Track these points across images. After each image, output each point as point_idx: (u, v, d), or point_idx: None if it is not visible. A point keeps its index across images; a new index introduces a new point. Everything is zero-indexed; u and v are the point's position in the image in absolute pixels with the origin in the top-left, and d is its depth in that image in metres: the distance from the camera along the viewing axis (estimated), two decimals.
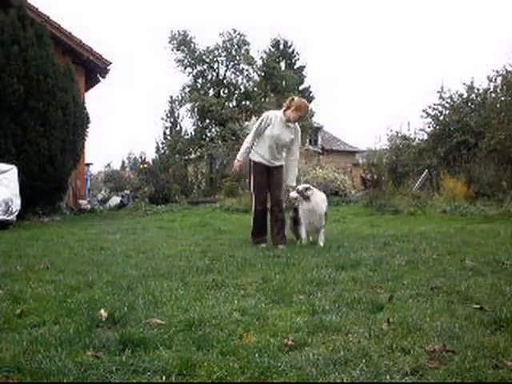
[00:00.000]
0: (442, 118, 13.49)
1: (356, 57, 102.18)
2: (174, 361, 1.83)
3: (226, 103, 19.99)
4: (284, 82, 21.35)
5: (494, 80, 12.74)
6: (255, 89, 20.64)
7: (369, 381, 1.68)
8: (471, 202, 9.27)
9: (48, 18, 10.98)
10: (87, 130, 10.60)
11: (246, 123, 20.06)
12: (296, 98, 5.16)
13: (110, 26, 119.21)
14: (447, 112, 13.46)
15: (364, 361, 1.82)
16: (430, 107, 13.75)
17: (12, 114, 8.68)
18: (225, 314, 2.44)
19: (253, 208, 5.26)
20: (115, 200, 17.52)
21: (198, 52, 19.76)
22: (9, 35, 8.82)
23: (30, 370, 1.75)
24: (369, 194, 11.08)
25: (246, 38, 19.80)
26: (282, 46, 31.92)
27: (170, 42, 19.78)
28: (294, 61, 32.61)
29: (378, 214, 9.12)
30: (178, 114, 25.38)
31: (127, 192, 19.59)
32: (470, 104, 13.38)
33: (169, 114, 26.32)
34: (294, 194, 5.08)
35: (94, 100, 45.40)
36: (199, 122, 20.07)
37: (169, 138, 24.05)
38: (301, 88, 29.16)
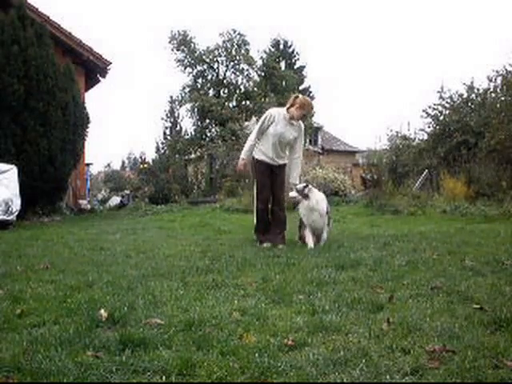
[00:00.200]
0: (442, 118, 13.50)
1: (356, 57, 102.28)
2: (174, 361, 1.82)
3: (226, 103, 20.00)
4: (284, 82, 21.36)
5: (494, 80, 12.75)
6: (255, 89, 20.65)
7: (369, 381, 1.68)
8: (471, 202, 9.27)
9: (48, 18, 10.97)
10: (87, 129, 10.60)
11: (246, 123, 20.07)
12: (300, 96, 5.15)
13: (110, 25, 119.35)
14: (447, 112, 13.46)
15: (364, 361, 1.82)
16: (429, 107, 13.77)
17: (12, 114, 8.68)
18: (225, 314, 2.44)
19: (255, 206, 5.26)
20: (115, 200, 17.51)
21: (198, 52, 19.77)
22: (9, 35, 8.81)
23: (30, 370, 1.75)
24: (369, 194, 11.08)
25: (245, 38, 19.84)
26: (282, 46, 31.91)
27: (169, 42, 19.80)
28: (294, 61, 32.60)
29: (378, 214, 9.11)
30: (178, 114, 25.45)
31: (127, 192, 19.58)
32: (469, 104, 13.39)
33: (169, 114, 26.36)
34: (293, 193, 5.07)
35: (94, 100, 45.42)
36: (199, 122, 20.07)
37: (169, 138, 24.09)
38: (301, 88, 29.12)
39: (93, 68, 12.17)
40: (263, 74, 21.18)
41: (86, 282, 3.19)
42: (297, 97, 5.11)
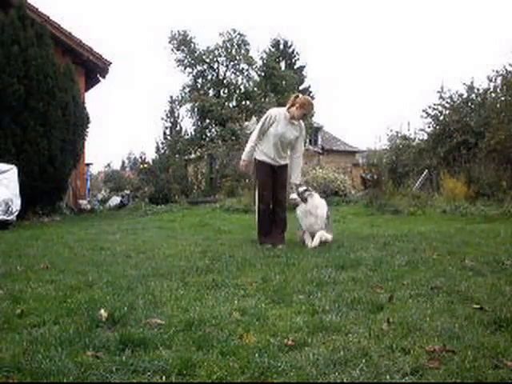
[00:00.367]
0: (442, 118, 13.49)
1: (356, 57, 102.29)
2: (174, 361, 1.82)
3: (226, 103, 19.99)
4: (284, 82, 21.35)
5: (494, 80, 12.74)
6: (255, 89, 20.64)
7: (369, 381, 1.68)
8: (471, 202, 9.27)
9: (48, 18, 10.97)
10: (87, 130, 10.60)
11: (246, 123, 20.06)
12: (300, 96, 5.15)
13: (110, 25, 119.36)
14: (447, 112, 13.46)
15: (364, 361, 1.82)
16: (430, 107, 13.76)
17: (12, 114, 8.68)
18: (225, 314, 2.44)
19: (257, 207, 5.25)
20: (115, 200, 17.49)
21: (197, 52, 19.76)
22: (9, 35, 8.81)
23: (30, 370, 1.75)
24: (369, 194, 11.08)
25: (245, 38, 19.84)
26: (282, 46, 31.93)
27: (169, 42, 19.80)
28: (294, 61, 32.61)
29: (378, 214, 9.11)
30: (178, 114, 25.46)
31: (127, 192, 19.56)
32: (470, 104, 13.38)
33: (169, 114, 26.37)
34: (293, 195, 5.09)
35: (94, 100, 45.40)
36: (199, 122, 20.07)
37: (169, 138, 24.10)
38: (301, 88, 29.12)
39: (93, 68, 12.17)
40: (263, 74, 21.18)
41: (86, 282, 3.19)
42: (297, 96, 5.11)
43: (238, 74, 20.42)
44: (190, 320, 2.31)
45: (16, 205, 7.69)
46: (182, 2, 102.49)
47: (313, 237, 4.95)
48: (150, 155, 35.95)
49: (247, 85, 20.57)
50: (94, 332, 2.17)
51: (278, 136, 5.03)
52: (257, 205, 5.27)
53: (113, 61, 12.31)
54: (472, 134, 12.26)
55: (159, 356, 1.89)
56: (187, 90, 20.34)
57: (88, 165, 17.10)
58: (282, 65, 28.95)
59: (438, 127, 13.50)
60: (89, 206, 12.65)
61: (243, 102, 20.52)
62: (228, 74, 20.44)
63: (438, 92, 13.68)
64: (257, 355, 1.87)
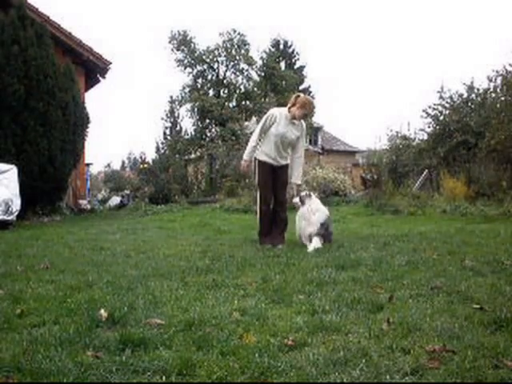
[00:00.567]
0: (442, 118, 13.49)
1: (356, 57, 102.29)
2: (174, 361, 1.82)
3: (226, 103, 19.98)
4: (284, 82, 21.35)
5: (494, 80, 12.74)
6: (255, 89, 20.64)
7: (369, 381, 1.68)
8: (471, 202, 9.27)
9: (48, 17, 10.97)
10: (87, 130, 10.60)
11: (246, 123, 20.07)
12: (301, 95, 5.14)
13: (110, 25, 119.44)
14: (447, 112, 13.46)
15: (364, 361, 1.82)
16: (430, 107, 13.76)
17: (12, 114, 8.68)
18: (225, 314, 2.44)
19: (258, 208, 5.25)
20: (115, 200, 17.50)
21: (197, 52, 19.75)
22: (9, 35, 8.81)
23: (30, 370, 1.75)
24: (369, 194, 11.08)
25: (245, 38, 19.82)
26: (282, 46, 31.91)
27: (169, 42, 19.79)
28: (294, 61, 32.59)
29: (378, 213, 9.11)
30: (178, 114, 25.37)
31: (127, 192, 19.55)
32: (470, 104, 13.38)
33: (169, 114, 26.30)
34: (296, 199, 5.14)
35: (94, 100, 45.46)
36: (199, 122, 20.06)
37: (169, 138, 24.04)
38: (301, 88, 29.09)
39: (93, 68, 12.17)
40: (263, 74, 21.18)
41: (86, 282, 3.19)
42: (298, 96, 5.10)
43: (237, 74, 20.41)
44: (189, 320, 2.31)
45: (16, 205, 7.69)
46: (182, 2, 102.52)
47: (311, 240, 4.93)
48: (150, 155, 35.94)
49: (247, 85, 20.56)
50: (93, 332, 2.17)
51: (278, 136, 5.03)
52: (257, 205, 5.27)
53: (113, 61, 12.33)
54: (472, 134, 12.26)
55: (159, 356, 1.89)
56: (187, 89, 20.34)
57: (88, 165, 17.10)
58: (282, 65, 28.94)
59: (437, 127, 13.50)
60: (89, 206, 12.65)
61: (243, 102, 20.50)
62: (228, 74, 20.44)
63: (438, 92, 13.70)
64: (257, 355, 1.87)
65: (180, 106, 21.96)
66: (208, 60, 19.88)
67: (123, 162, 62.83)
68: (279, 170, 5.17)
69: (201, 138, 19.44)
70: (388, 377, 1.70)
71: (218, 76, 20.32)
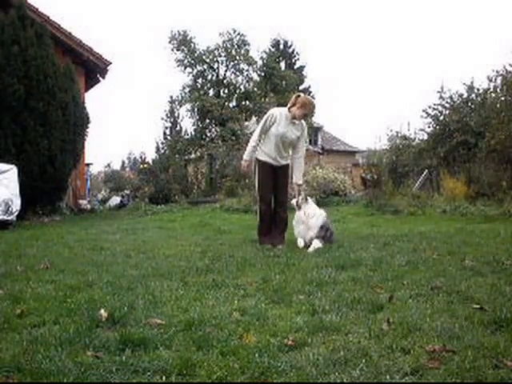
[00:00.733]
0: (442, 118, 13.48)
1: (356, 57, 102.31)
2: (174, 361, 1.82)
3: (226, 103, 19.98)
4: (284, 82, 21.33)
5: (494, 80, 12.73)
6: (255, 89, 20.63)
7: (369, 381, 1.68)
8: (471, 202, 9.27)
9: (48, 18, 10.97)
10: (87, 129, 10.60)
11: (246, 123, 20.07)
12: (302, 95, 5.13)
13: (110, 25, 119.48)
14: (447, 112, 13.45)
15: (364, 361, 1.82)
16: (430, 107, 13.75)
17: (12, 114, 8.68)
18: (225, 314, 2.44)
19: (258, 208, 5.26)
20: (115, 200, 17.49)
21: (197, 52, 19.75)
22: (9, 35, 8.81)
23: (30, 370, 1.75)
24: (369, 194, 11.08)
25: (245, 38, 19.81)
26: (282, 46, 31.93)
27: (169, 42, 19.78)
28: (294, 61, 32.61)
29: (378, 214, 9.12)
30: (178, 114, 25.38)
31: (127, 192, 19.54)
32: (470, 104, 13.37)
33: (169, 114, 26.30)
34: (293, 201, 5.18)
35: (94, 100, 45.50)
36: (199, 122, 20.05)
37: (169, 138, 24.04)
38: (301, 88, 29.10)
39: (93, 68, 12.16)
40: (263, 74, 21.16)
41: (86, 282, 3.19)
42: (298, 96, 5.10)
43: (237, 74, 20.40)
44: (190, 320, 2.31)
45: (16, 205, 7.69)
46: (182, 2, 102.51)
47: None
48: (150, 155, 36.00)
49: (247, 85, 20.55)
50: (93, 332, 2.17)
51: (279, 136, 5.02)
52: (258, 205, 5.27)
53: (113, 61, 12.32)
54: (472, 134, 12.26)
55: (159, 356, 1.89)
56: (187, 89, 20.33)
57: (88, 165, 17.08)
58: (282, 65, 28.94)
59: (438, 127, 13.49)
60: (89, 206, 12.64)
61: (243, 102, 20.49)
62: (228, 74, 20.43)
63: (438, 92, 13.69)
64: (257, 355, 1.87)
65: (180, 106, 21.96)
66: (208, 60, 19.88)
67: (123, 162, 62.88)
68: (279, 170, 5.17)
69: (201, 137, 19.44)
70: (388, 377, 1.70)
71: (218, 76, 20.31)
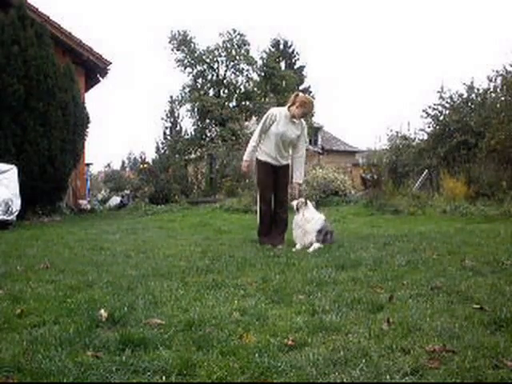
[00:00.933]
0: (442, 118, 13.48)
1: (356, 57, 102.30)
2: (174, 361, 1.82)
3: (226, 103, 20.00)
4: (284, 82, 21.34)
5: (493, 80, 12.74)
6: (255, 89, 20.65)
7: (369, 381, 1.68)
8: (471, 202, 9.27)
9: (48, 18, 10.98)
10: (87, 130, 10.60)
11: (246, 123, 20.08)
12: (301, 94, 5.14)
13: (110, 25, 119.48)
14: (447, 112, 13.45)
15: (364, 361, 1.82)
16: (429, 107, 13.75)
17: (12, 114, 8.68)
18: (225, 314, 2.44)
19: (258, 207, 5.25)
20: (115, 200, 17.48)
21: (197, 52, 19.77)
22: (9, 35, 8.81)
23: (30, 370, 1.75)
24: (369, 193, 11.08)
25: (245, 38, 19.84)
26: (282, 46, 31.91)
27: (169, 42, 19.81)
28: (294, 61, 32.60)
29: (378, 213, 9.12)
30: (178, 114, 25.43)
31: (127, 192, 19.52)
32: (469, 104, 13.37)
33: (169, 114, 26.34)
34: (293, 202, 5.12)
35: (94, 100, 45.50)
36: (199, 122, 20.07)
37: (169, 138, 24.07)
38: (301, 88, 29.08)
39: (93, 68, 12.17)
40: (263, 74, 21.17)
41: (85, 282, 3.19)
42: (297, 95, 5.10)
43: (237, 74, 20.42)
44: (190, 320, 2.31)
45: (16, 205, 7.69)
46: (182, 2, 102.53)
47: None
48: (150, 155, 35.99)
49: (247, 85, 20.58)
50: (93, 332, 2.17)
51: (279, 135, 5.02)
52: (258, 205, 5.27)
53: (113, 61, 12.33)
54: (472, 134, 12.25)
55: (159, 356, 1.89)
56: (187, 89, 20.35)
57: (88, 165, 17.07)
58: (282, 65, 28.94)
59: (438, 127, 13.49)
60: (89, 206, 12.65)
61: (243, 102, 20.51)
62: (228, 74, 20.45)
63: (438, 92, 13.69)
64: (257, 355, 1.87)
65: (180, 106, 22.00)
66: (208, 60, 19.90)
67: (123, 162, 62.83)
68: (280, 170, 5.17)
69: (201, 137, 19.45)
70: (388, 377, 1.70)
71: (218, 76, 20.33)
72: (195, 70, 20.20)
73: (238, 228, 7.16)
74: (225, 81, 20.36)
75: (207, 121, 19.93)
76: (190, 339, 2.08)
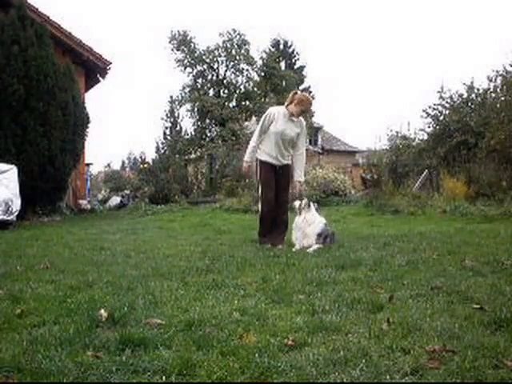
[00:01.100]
0: (441, 118, 13.48)
1: (356, 57, 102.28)
2: (174, 361, 1.82)
3: (226, 103, 20.00)
4: (284, 82, 21.34)
5: (493, 80, 12.73)
6: (255, 89, 20.66)
7: (369, 381, 1.68)
8: (471, 202, 9.26)
9: (48, 18, 10.98)
10: (87, 130, 10.61)
11: (246, 123, 20.09)
12: (298, 93, 5.17)
13: (110, 25, 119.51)
14: (447, 112, 13.44)
15: (364, 361, 1.82)
16: (429, 107, 13.74)
17: (12, 114, 8.69)
18: (225, 314, 2.44)
19: (259, 208, 5.25)
20: (115, 200, 17.47)
21: (197, 52, 19.77)
22: (9, 35, 8.82)
23: (30, 370, 1.75)
24: (369, 194, 11.08)
25: (245, 37, 19.84)
26: (282, 46, 31.93)
27: (169, 42, 19.81)
28: (294, 61, 32.61)
29: (378, 213, 9.12)
30: (178, 114, 25.39)
31: (127, 192, 19.53)
32: (469, 104, 13.37)
33: (169, 114, 26.31)
34: (296, 203, 5.09)
35: (94, 100, 45.49)
36: (199, 122, 20.07)
37: (169, 138, 24.06)
38: (301, 88, 29.09)
39: (93, 68, 12.17)
40: (263, 73, 21.18)
41: (85, 282, 3.19)
42: (295, 93, 5.13)
43: (237, 73, 20.42)
44: (190, 320, 2.31)
45: (16, 205, 7.69)
46: (182, 2, 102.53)
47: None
48: (150, 155, 35.92)
49: (247, 85, 20.58)
50: (93, 332, 2.17)
51: (278, 134, 5.03)
52: (259, 205, 5.27)
53: (113, 61, 12.35)
54: (472, 134, 12.25)
55: (159, 356, 1.89)
56: (187, 89, 20.35)
57: (88, 165, 17.08)
58: (282, 65, 28.95)
59: (438, 127, 13.49)
60: (89, 206, 12.65)
61: (243, 102, 20.51)
62: (228, 73, 20.45)
63: (438, 92, 13.68)
64: (257, 355, 1.87)
65: (180, 106, 21.98)
66: (208, 60, 19.90)
67: (123, 162, 62.79)
68: (281, 170, 5.17)
69: (201, 137, 19.46)
70: (388, 377, 1.70)
71: (218, 76, 20.33)
72: (195, 70, 20.20)
73: (237, 228, 7.16)
74: (225, 81, 20.36)
75: (207, 121, 19.93)
76: (190, 339, 2.08)
